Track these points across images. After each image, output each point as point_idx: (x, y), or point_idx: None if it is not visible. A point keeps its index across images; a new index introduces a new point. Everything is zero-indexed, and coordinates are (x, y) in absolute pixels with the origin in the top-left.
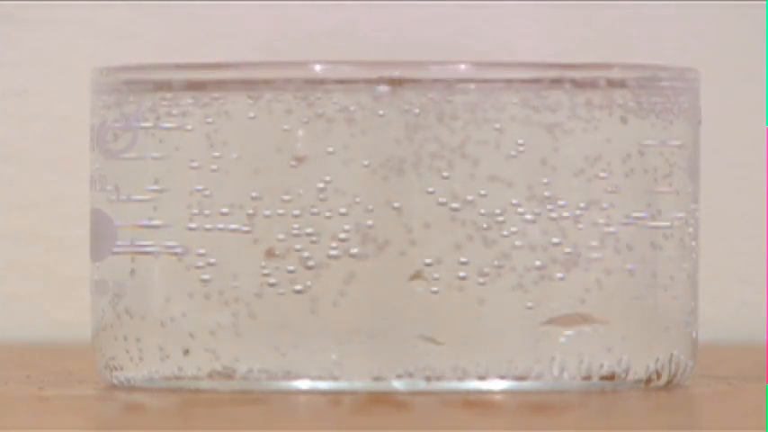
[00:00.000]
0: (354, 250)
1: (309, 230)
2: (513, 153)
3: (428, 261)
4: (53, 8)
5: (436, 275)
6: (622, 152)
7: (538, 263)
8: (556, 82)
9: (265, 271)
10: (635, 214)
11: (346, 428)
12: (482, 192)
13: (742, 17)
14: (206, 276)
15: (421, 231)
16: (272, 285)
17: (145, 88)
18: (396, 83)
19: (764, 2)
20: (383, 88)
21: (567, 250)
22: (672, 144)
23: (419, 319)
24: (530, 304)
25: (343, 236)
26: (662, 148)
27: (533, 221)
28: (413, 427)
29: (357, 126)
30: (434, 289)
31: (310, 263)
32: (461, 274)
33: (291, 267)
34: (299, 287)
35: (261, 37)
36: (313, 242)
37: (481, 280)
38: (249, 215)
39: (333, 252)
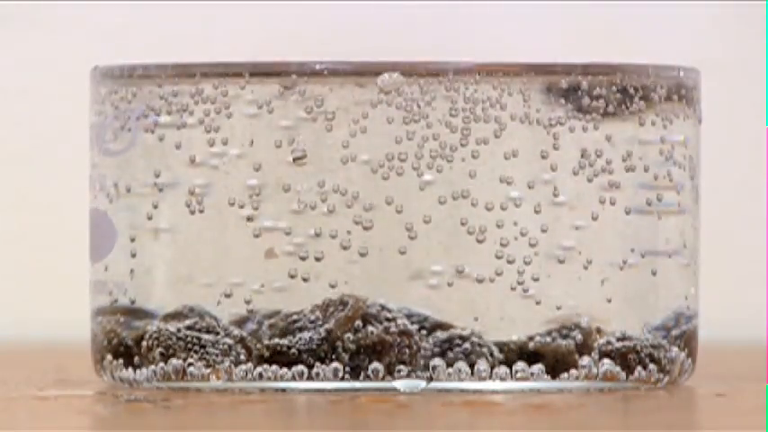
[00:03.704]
0: (354, 248)
1: (309, 228)
2: (513, 151)
3: (428, 259)
4: (53, 8)
5: (436, 274)
6: (623, 150)
7: (537, 260)
8: (556, 81)
9: (266, 270)
10: (635, 214)
11: (346, 428)
12: (482, 189)
13: (742, 17)
14: (207, 276)
15: (421, 229)
16: (272, 283)
17: (144, 88)
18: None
19: (764, 2)
20: (387, 79)
21: (566, 248)
22: (672, 143)
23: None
24: (529, 301)
25: (342, 233)
26: (662, 146)
27: (533, 219)
28: (413, 427)
29: (357, 124)
30: (434, 286)
31: (310, 260)
32: (461, 271)
33: (291, 266)
34: (299, 285)
35: (261, 36)
36: (313, 240)
37: (481, 277)
38: (249, 213)
39: (332, 250)
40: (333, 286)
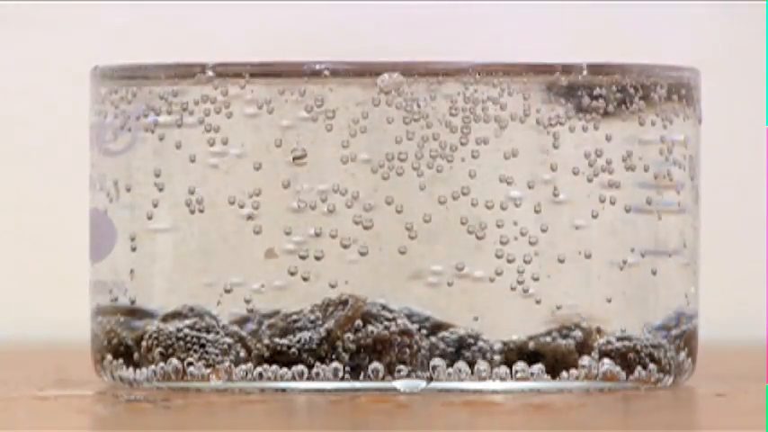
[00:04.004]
0: (354, 248)
1: (309, 228)
2: (513, 151)
3: (428, 259)
4: (53, 8)
5: (436, 273)
6: (623, 150)
7: (537, 259)
8: (556, 81)
9: (266, 269)
10: (635, 213)
11: (346, 428)
12: (482, 189)
13: (742, 17)
14: (207, 276)
15: (421, 228)
16: (272, 283)
17: (144, 88)
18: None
19: (764, 2)
20: (387, 79)
21: (566, 248)
22: (672, 143)
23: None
24: (529, 300)
25: (342, 233)
26: (662, 146)
27: (533, 218)
28: (413, 427)
29: (357, 124)
30: (434, 286)
31: (310, 259)
32: (461, 271)
33: (291, 265)
34: (299, 284)
35: (260, 36)
36: (313, 240)
37: (481, 276)
38: (249, 212)
39: (332, 250)
40: (333, 286)
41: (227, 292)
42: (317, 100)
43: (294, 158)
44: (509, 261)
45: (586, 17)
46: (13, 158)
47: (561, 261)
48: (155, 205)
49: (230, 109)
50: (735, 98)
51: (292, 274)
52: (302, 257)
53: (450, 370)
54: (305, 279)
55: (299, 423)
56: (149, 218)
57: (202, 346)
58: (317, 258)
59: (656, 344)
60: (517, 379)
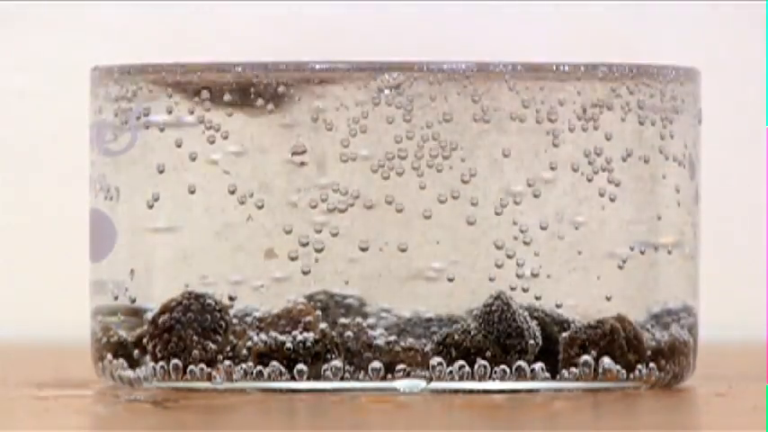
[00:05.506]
0: (354, 247)
1: (309, 227)
2: (513, 150)
3: (428, 257)
4: (53, 8)
5: (436, 271)
6: (622, 151)
7: (537, 258)
8: (556, 81)
9: (266, 268)
10: (635, 212)
11: (346, 428)
12: (482, 188)
13: (742, 17)
14: (207, 276)
15: (421, 227)
16: (272, 282)
17: (144, 88)
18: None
19: (764, 2)
20: (387, 82)
21: (566, 246)
22: (672, 143)
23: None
24: (529, 298)
25: (342, 232)
26: (662, 146)
27: (533, 216)
28: (413, 427)
29: (357, 124)
30: (434, 284)
31: (310, 259)
32: (461, 269)
33: (291, 265)
34: (299, 283)
35: (260, 36)
36: (313, 239)
37: (481, 275)
38: (249, 211)
39: (332, 249)
40: (333, 283)
41: (227, 292)
42: (317, 99)
43: (293, 154)
44: (508, 258)
45: (586, 17)
46: (13, 158)
47: (561, 259)
48: (155, 204)
49: (229, 109)
50: (735, 98)
51: (292, 272)
52: (303, 255)
53: (451, 369)
54: (304, 273)
55: (299, 423)
56: (149, 217)
57: (203, 345)
58: (317, 258)
59: (657, 343)
60: (517, 379)
